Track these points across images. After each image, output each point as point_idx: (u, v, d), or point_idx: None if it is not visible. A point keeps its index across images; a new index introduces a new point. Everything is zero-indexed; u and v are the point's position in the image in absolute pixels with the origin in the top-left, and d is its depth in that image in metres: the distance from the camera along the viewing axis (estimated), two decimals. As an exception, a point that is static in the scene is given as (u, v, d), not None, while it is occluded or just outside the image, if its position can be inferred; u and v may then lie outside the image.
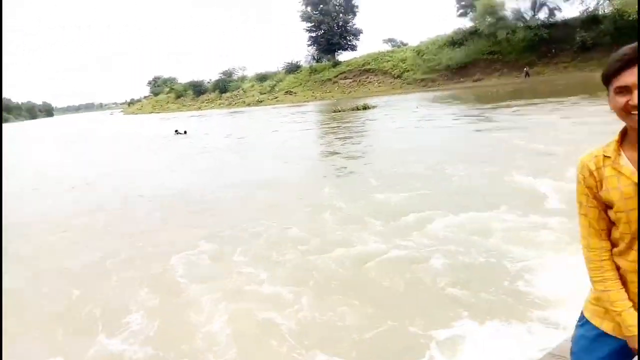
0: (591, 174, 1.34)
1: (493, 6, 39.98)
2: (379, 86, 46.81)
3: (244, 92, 59.83)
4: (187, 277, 5.18)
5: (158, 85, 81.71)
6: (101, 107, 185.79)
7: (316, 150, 14.99)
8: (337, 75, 52.00)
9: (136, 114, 71.46)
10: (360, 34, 56.57)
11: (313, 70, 55.80)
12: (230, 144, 18.08)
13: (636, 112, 1.19)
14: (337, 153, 12.83)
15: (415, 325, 3.76)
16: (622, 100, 1.22)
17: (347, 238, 5.78)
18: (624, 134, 1.31)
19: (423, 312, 3.97)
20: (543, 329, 3.53)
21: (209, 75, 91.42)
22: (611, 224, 1.36)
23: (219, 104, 58.90)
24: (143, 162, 15.76)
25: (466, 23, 46.09)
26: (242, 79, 64.90)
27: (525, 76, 36.25)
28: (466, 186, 7.74)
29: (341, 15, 55.35)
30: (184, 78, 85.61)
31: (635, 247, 1.29)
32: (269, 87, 57.44)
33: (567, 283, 4.02)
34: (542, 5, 39.62)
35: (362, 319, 3.94)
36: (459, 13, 48.24)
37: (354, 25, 56.32)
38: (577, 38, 35.61)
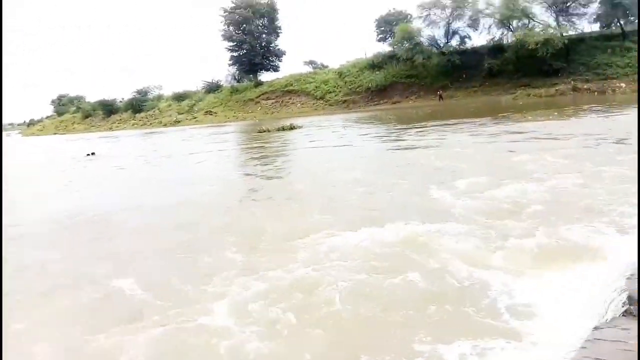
0: None
1: (410, 32, 41.85)
2: (302, 107, 46.80)
3: (160, 112, 57.13)
4: (90, 312, 4.10)
5: (63, 105, 75.78)
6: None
7: (236, 171, 13.94)
8: (259, 96, 51.34)
9: (37, 135, 65.34)
10: (283, 55, 56.59)
11: (234, 90, 54.67)
12: (142, 166, 16.51)
13: None
14: (257, 174, 11.90)
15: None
16: None
17: (262, 263, 4.98)
18: None
19: (375, 341, 3.28)
20: (523, 345, 3.05)
21: (122, 94, 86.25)
22: None
23: (133, 125, 55.61)
24: (46, 184, 13.86)
25: (385, 48, 47.87)
26: (158, 98, 62.08)
27: (439, 99, 38.03)
28: (386, 202, 7.38)
29: (264, 35, 54.97)
30: (92, 97, 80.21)
31: None
32: (188, 106, 55.35)
33: (515, 294, 3.80)
34: (454, 33, 42.27)
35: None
36: (378, 38, 50.04)
37: (277, 46, 56.20)
38: (485, 65, 38.20)
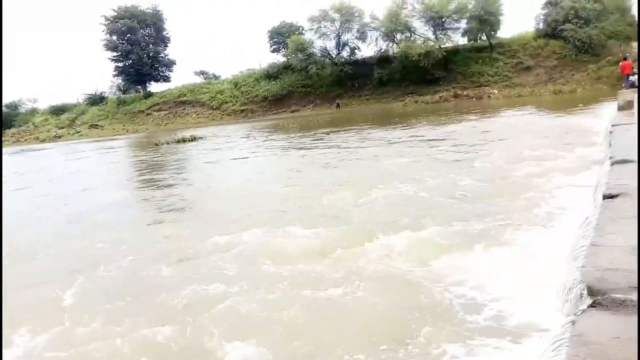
0: None
1: (303, 44, 42.90)
2: (198, 117, 45.49)
3: (36, 127, 51.59)
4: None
5: None
6: None
7: (131, 192, 12.64)
8: (150, 107, 48.90)
9: None
10: (174, 65, 54.43)
11: (121, 102, 51.43)
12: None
13: None
14: (157, 195, 11.22)
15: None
16: None
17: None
18: None
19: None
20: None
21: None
22: None
23: (4, 142, 49.40)
24: None
25: (280, 58, 48.44)
26: (32, 112, 56.04)
27: (337, 107, 39.49)
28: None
29: (151, 45, 52.41)
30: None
31: None
32: (68, 120, 50.77)
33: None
34: (345, 45, 44.13)
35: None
36: (272, 49, 50.46)
37: (166, 56, 53.87)
38: (375, 74, 40.48)
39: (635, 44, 34.38)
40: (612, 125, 9.57)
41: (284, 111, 42.51)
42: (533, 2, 67.12)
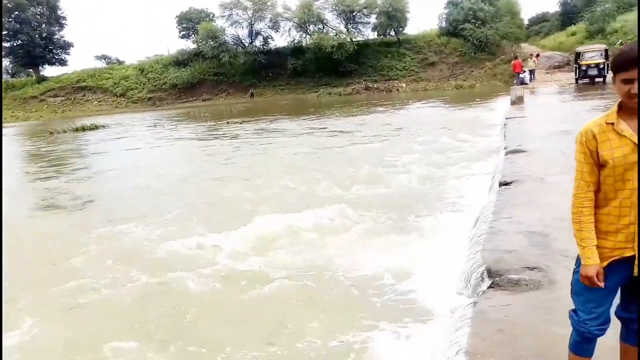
0: (594, 136, 1.68)
1: (214, 31, 41.50)
2: (99, 105, 42.32)
3: None
4: None
5: None
6: None
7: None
8: (44, 93, 44.54)
9: None
10: (71, 48, 49.96)
11: (10, 86, 46.29)
12: None
13: (636, 99, 1.56)
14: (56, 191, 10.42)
15: None
16: (625, 88, 1.58)
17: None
18: (620, 107, 1.67)
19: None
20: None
21: None
22: (598, 181, 1.70)
23: None
24: None
25: (190, 44, 46.46)
26: None
27: (251, 97, 38.86)
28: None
29: (44, 25, 47.57)
30: None
31: (613, 201, 1.67)
32: (-56, 106, 44.73)
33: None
34: (258, 34, 43.37)
35: None
36: (181, 34, 48.22)
37: (62, 37, 49.25)
38: (289, 65, 40.35)
39: (524, 45, 37.89)
40: (506, 118, 10.41)
41: (196, 99, 40.97)
42: (437, 1, 71.22)
